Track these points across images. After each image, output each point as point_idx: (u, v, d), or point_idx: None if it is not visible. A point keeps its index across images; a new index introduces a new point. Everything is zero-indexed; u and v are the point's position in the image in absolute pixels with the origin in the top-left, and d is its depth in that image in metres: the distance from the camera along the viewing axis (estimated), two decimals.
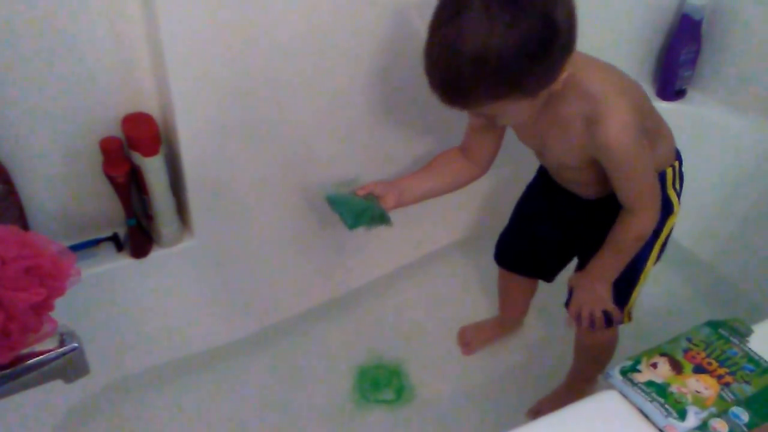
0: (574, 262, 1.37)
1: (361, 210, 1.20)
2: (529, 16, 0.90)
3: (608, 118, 1.02)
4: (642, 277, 1.26)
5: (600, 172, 1.12)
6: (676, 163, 1.23)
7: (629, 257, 1.19)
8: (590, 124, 1.05)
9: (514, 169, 1.47)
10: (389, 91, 1.40)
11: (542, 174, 1.34)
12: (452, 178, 1.27)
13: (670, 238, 1.27)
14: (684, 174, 1.26)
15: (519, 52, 0.91)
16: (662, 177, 1.20)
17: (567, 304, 1.34)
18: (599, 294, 1.22)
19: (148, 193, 1.26)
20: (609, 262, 1.20)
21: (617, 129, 1.03)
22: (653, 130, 1.16)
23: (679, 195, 1.24)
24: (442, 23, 0.94)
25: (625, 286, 1.26)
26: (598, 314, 1.24)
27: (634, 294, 1.28)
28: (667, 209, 1.22)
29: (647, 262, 1.25)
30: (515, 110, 1.01)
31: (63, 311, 0.84)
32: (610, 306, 1.23)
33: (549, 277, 1.46)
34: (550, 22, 0.92)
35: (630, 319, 1.31)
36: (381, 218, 1.21)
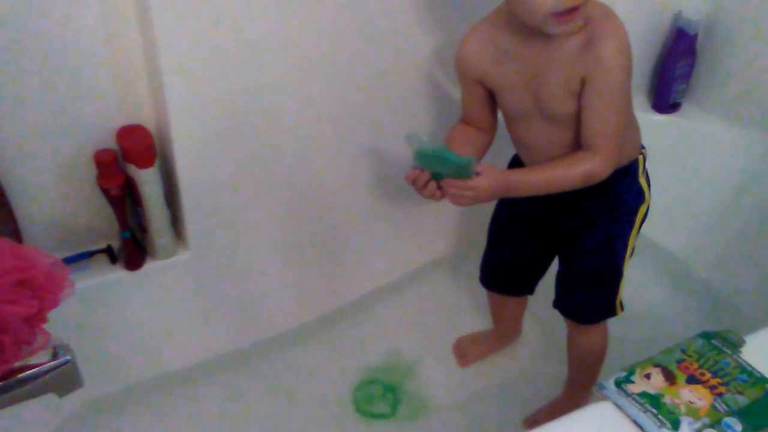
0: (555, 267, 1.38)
1: (453, 165, 1.07)
2: None
3: (608, 37, 1.05)
4: (625, 266, 1.27)
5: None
6: (645, 151, 1.25)
7: (553, 188, 1.13)
8: (588, 44, 1.06)
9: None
10: (386, 102, 1.41)
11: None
12: (475, 148, 1.23)
13: (652, 244, 1.28)
14: (663, 179, 1.28)
15: None
16: (634, 167, 1.22)
17: (555, 305, 1.35)
18: (492, 197, 1.12)
19: (143, 205, 1.26)
20: (538, 183, 1.13)
21: (615, 47, 1.05)
22: (631, 114, 1.18)
23: (648, 184, 1.25)
24: None
25: (610, 280, 1.28)
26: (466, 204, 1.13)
27: (621, 286, 1.29)
28: (639, 198, 1.24)
29: (626, 253, 1.26)
30: None
31: (56, 324, 0.84)
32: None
33: (530, 289, 1.46)
34: None
35: (622, 309, 1.32)
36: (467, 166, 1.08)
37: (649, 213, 1.27)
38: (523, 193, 1.14)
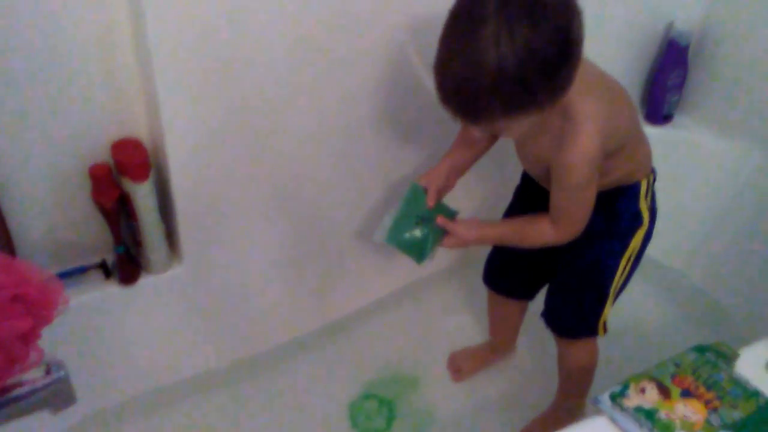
0: None
1: (421, 242, 1.21)
2: (548, 29, 0.90)
3: (573, 143, 1.05)
4: (612, 289, 1.27)
5: None
6: (651, 176, 1.25)
7: (516, 244, 1.25)
8: (559, 139, 1.08)
9: (501, 188, 1.48)
10: (381, 112, 1.41)
11: (524, 180, 1.36)
12: (474, 155, 1.29)
13: (644, 254, 1.28)
14: (656, 191, 1.27)
15: (539, 68, 0.91)
16: (636, 188, 1.22)
17: (543, 315, 1.36)
18: (471, 242, 1.23)
19: (137, 219, 1.26)
20: (503, 234, 1.25)
21: (578, 155, 1.06)
22: (631, 144, 1.18)
23: (650, 210, 1.25)
24: (459, 37, 0.93)
25: (595, 298, 1.28)
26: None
27: (607, 308, 1.29)
28: (635, 222, 1.24)
29: (615, 275, 1.26)
30: (523, 125, 1.02)
31: (50, 340, 0.84)
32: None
33: (531, 294, 1.46)
34: (566, 37, 0.92)
35: (605, 331, 1.32)
36: (439, 234, 1.22)
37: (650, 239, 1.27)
38: (489, 242, 1.30)
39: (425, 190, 1.22)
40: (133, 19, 1.12)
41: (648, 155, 1.25)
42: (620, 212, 1.23)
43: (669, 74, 1.66)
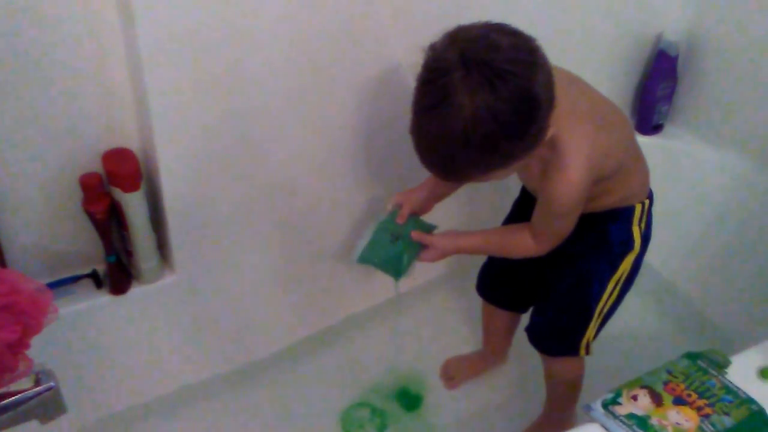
0: None
1: (396, 258, 1.23)
2: (509, 94, 0.93)
3: (559, 175, 1.07)
4: (597, 312, 1.27)
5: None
6: (647, 202, 1.25)
7: (495, 254, 1.31)
8: (545, 169, 1.10)
9: (498, 200, 1.48)
10: (372, 123, 1.41)
11: (523, 193, 1.37)
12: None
13: (637, 276, 1.28)
14: (653, 216, 1.27)
15: (507, 130, 0.94)
16: (629, 212, 1.23)
17: (527, 330, 1.37)
18: (449, 252, 1.24)
19: (129, 229, 1.26)
20: (482, 243, 1.26)
21: (562, 187, 1.08)
22: (629, 164, 1.19)
23: (643, 235, 1.25)
24: (428, 108, 0.97)
25: (578, 318, 1.28)
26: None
27: (590, 329, 1.28)
28: (626, 246, 1.24)
29: (601, 297, 1.26)
30: (507, 172, 1.06)
31: (39, 350, 0.83)
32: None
33: (523, 307, 1.46)
34: (531, 99, 0.95)
35: (588, 352, 1.32)
36: (416, 249, 1.24)
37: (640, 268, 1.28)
38: (465, 251, 1.27)
39: (399, 207, 1.24)
40: (124, 29, 1.12)
41: (645, 180, 1.25)
42: (611, 235, 1.23)
43: (659, 84, 1.68)
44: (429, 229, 1.26)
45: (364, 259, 1.25)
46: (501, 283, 1.45)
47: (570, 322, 1.29)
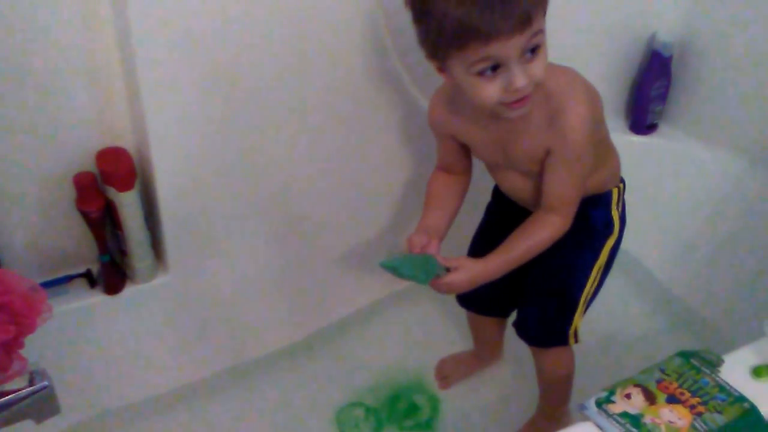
0: None
1: (424, 263, 1.14)
2: None
3: (568, 110, 1.06)
4: (582, 299, 1.27)
5: None
6: (621, 186, 1.26)
7: (528, 259, 1.18)
8: (552, 119, 1.08)
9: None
10: (365, 127, 1.41)
11: (496, 197, 1.36)
12: (457, 198, 1.28)
13: (614, 262, 1.29)
14: (626, 201, 1.28)
15: None
16: (608, 197, 1.24)
17: (514, 324, 1.36)
18: (473, 286, 1.17)
19: (123, 228, 1.25)
20: (511, 261, 1.17)
21: (575, 120, 1.06)
22: (603, 145, 1.20)
23: (621, 218, 1.26)
24: None
25: (565, 307, 1.28)
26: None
27: (577, 317, 1.29)
28: (606, 229, 1.25)
29: (586, 284, 1.26)
30: (545, 35, 1.01)
31: (33, 349, 0.83)
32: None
33: (505, 312, 1.46)
34: None
35: (577, 340, 1.32)
36: (437, 265, 1.15)
37: (619, 249, 1.27)
38: (504, 272, 1.17)
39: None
40: (118, 28, 1.12)
41: (618, 165, 1.26)
42: (592, 220, 1.24)
43: (652, 84, 1.68)
44: (443, 271, 1.16)
45: (392, 264, 1.12)
46: (482, 292, 1.43)
47: (557, 311, 1.29)
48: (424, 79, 1.30)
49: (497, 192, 1.34)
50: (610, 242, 1.26)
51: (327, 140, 1.39)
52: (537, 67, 1.00)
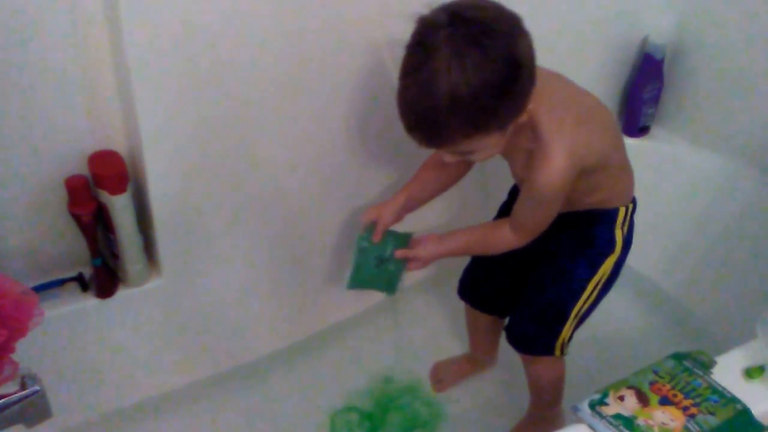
0: None
1: (387, 279, 1.27)
2: (494, 57, 0.96)
3: (543, 162, 1.08)
4: (574, 313, 1.27)
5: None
6: (630, 206, 1.26)
7: (478, 252, 1.31)
8: (530, 157, 1.11)
9: (484, 199, 1.49)
10: (359, 128, 1.41)
11: (511, 194, 1.37)
12: (441, 183, 1.33)
13: (616, 280, 1.29)
14: (635, 223, 1.28)
15: (489, 89, 0.96)
16: (613, 214, 1.24)
17: (505, 329, 1.37)
18: (436, 258, 1.26)
19: (115, 231, 1.25)
20: (465, 243, 1.26)
21: (547, 174, 1.09)
22: (611, 170, 1.20)
23: (625, 239, 1.26)
24: (414, 68, 0.99)
25: (555, 318, 1.28)
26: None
27: (566, 330, 1.28)
28: (608, 248, 1.25)
29: (580, 298, 1.26)
30: (487, 145, 1.06)
31: (25, 353, 0.83)
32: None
33: (505, 312, 1.46)
34: (514, 59, 0.98)
35: (563, 353, 1.32)
36: (401, 264, 1.26)
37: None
38: (451, 254, 1.26)
39: (374, 225, 1.25)
40: (110, 31, 1.12)
41: (630, 184, 1.26)
42: (594, 236, 1.24)
43: (645, 87, 1.69)
44: (406, 238, 1.26)
45: (355, 284, 1.28)
46: (483, 287, 1.45)
47: (547, 322, 1.29)
48: None
49: (514, 190, 1.36)
50: (610, 261, 1.25)
51: (321, 143, 1.38)
52: (473, 158, 1.11)
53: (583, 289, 1.26)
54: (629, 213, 1.26)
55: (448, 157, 1.13)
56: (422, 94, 0.98)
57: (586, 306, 1.27)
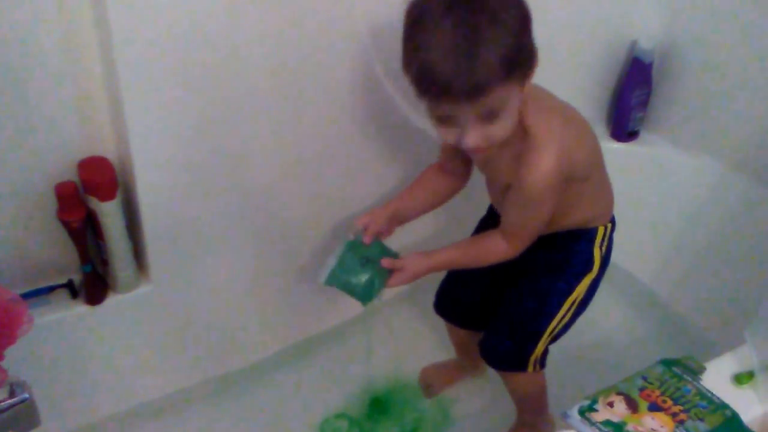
0: None
1: (367, 284, 1.21)
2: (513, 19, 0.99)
3: (534, 161, 1.08)
4: (548, 331, 1.26)
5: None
6: (609, 225, 1.26)
7: (469, 265, 1.25)
8: (519, 159, 1.10)
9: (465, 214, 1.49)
10: (353, 133, 1.41)
11: (491, 211, 1.37)
12: (436, 196, 1.32)
13: (592, 300, 1.29)
14: (613, 241, 1.28)
15: (521, 21, 0.99)
16: (592, 233, 1.24)
17: (480, 343, 1.36)
18: (422, 273, 1.23)
19: (104, 238, 1.25)
20: (454, 257, 1.23)
21: (537, 173, 1.08)
22: (590, 186, 1.20)
23: (603, 258, 1.26)
24: (437, 18, 0.96)
25: (528, 335, 1.27)
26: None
27: (539, 347, 1.28)
28: (586, 267, 1.25)
29: (555, 317, 1.26)
30: (511, 105, 1.03)
31: (14, 360, 0.83)
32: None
33: (482, 326, 1.44)
34: (524, 8, 1.01)
35: (536, 369, 1.31)
36: (385, 274, 1.22)
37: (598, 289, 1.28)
38: (439, 269, 1.27)
39: (364, 231, 1.23)
40: (99, 37, 1.11)
41: (609, 203, 1.27)
42: (572, 254, 1.24)
43: (633, 91, 1.69)
44: (393, 253, 1.24)
45: (333, 280, 1.22)
46: (458, 304, 1.44)
47: (520, 339, 1.28)
48: (409, 85, 1.30)
49: (492, 206, 1.34)
50: (587, 279, 1.25)
51: (312, 148, 1.38)
52: (496, 130, 1.03)
53: (559, 306, 1.25)
54: (608, 232, 1.26)
55: (453, 136, 1.06)
56: (461, 33, 0.94)
57: (561, 324, 1.27)
